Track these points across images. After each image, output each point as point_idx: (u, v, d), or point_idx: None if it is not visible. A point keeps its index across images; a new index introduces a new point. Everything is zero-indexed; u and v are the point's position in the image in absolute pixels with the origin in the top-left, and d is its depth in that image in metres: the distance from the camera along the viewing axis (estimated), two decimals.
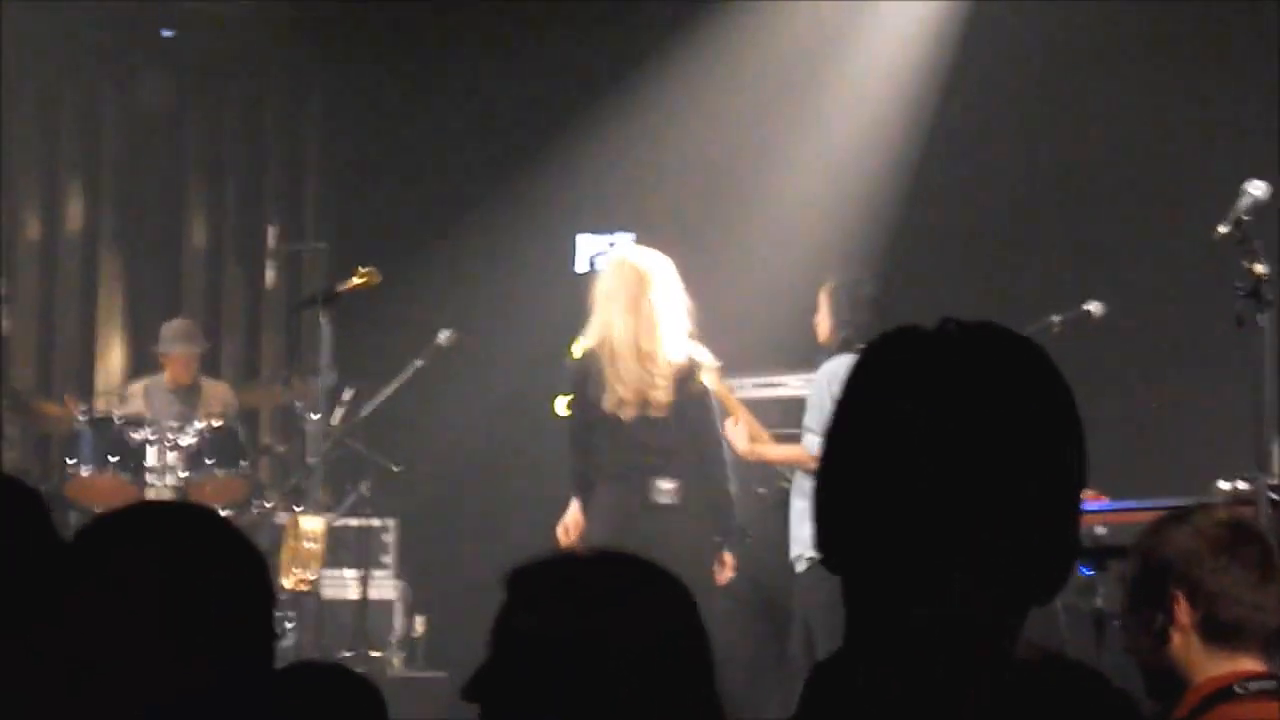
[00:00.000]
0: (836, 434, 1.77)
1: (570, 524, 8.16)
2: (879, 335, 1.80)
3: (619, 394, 7.24)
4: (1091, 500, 5.87)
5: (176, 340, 9.76)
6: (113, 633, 2.20)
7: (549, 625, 2.10)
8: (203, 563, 2.25)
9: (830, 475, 1.77)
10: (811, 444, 7.33)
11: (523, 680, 2.09)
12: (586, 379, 7.31)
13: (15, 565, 2.74)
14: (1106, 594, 5.55)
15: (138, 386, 9.96)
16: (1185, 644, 3.25)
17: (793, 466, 7.46)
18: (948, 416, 1.69)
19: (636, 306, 7.27)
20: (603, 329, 7.29)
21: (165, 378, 9.82)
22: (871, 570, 1.72)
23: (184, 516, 2.44)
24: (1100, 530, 5.64)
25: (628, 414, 7.25)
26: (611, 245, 10.46)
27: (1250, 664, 3.24)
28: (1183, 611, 3.24)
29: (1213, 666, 3.23)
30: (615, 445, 7.29)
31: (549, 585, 2.16)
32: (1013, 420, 1.70)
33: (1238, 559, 3.28)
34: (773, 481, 7.54)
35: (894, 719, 1.67)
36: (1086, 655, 5.59)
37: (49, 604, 2.26)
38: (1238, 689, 3.20)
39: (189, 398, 9.69)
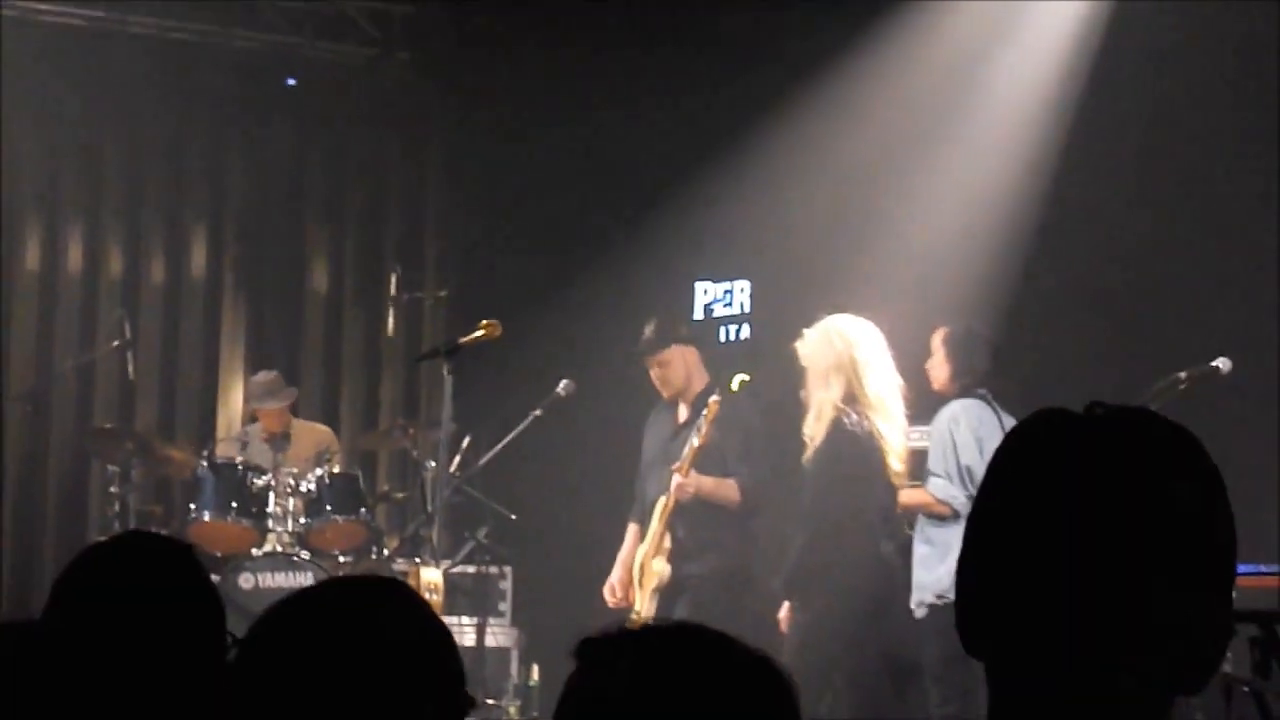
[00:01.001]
0: (982, 519, 1.75)
1: (618, 583, 8.19)
2: (1027, 419, 1.78)
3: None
4: None
5: (267, 396, 9.90)
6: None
7: (620, 699, 2.06)
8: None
9: (975, 560, 1.74)
10: (937, 487, 7.31)
11: None
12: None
13: (174, 628, 2.77)
14: (1235, 659, 5.45)
15: (232, 438, 10.09)
16: None
17: (918, 510, 7.45)
18: (1100, 503, 1.67)
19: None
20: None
21: (259, 428, 9.94)
22: (1019, 659, 1.69)
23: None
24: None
25: None
26: (728, 293, 10.47)
27: None
28: None
29: None
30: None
31: (622, 656, 2.11)
32: (1166, 507, 1.68)
33: None
34: (898, 528, 7.50)
35: None
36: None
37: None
38: None
39: (281, 444, 9.79)
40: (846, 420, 7.39)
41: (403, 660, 2.18)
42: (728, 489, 8.09)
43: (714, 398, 7.99)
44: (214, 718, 2.49)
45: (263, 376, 10.10)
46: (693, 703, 2.03)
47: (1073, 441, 1.72)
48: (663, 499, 8.10)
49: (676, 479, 8.00)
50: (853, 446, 7.38)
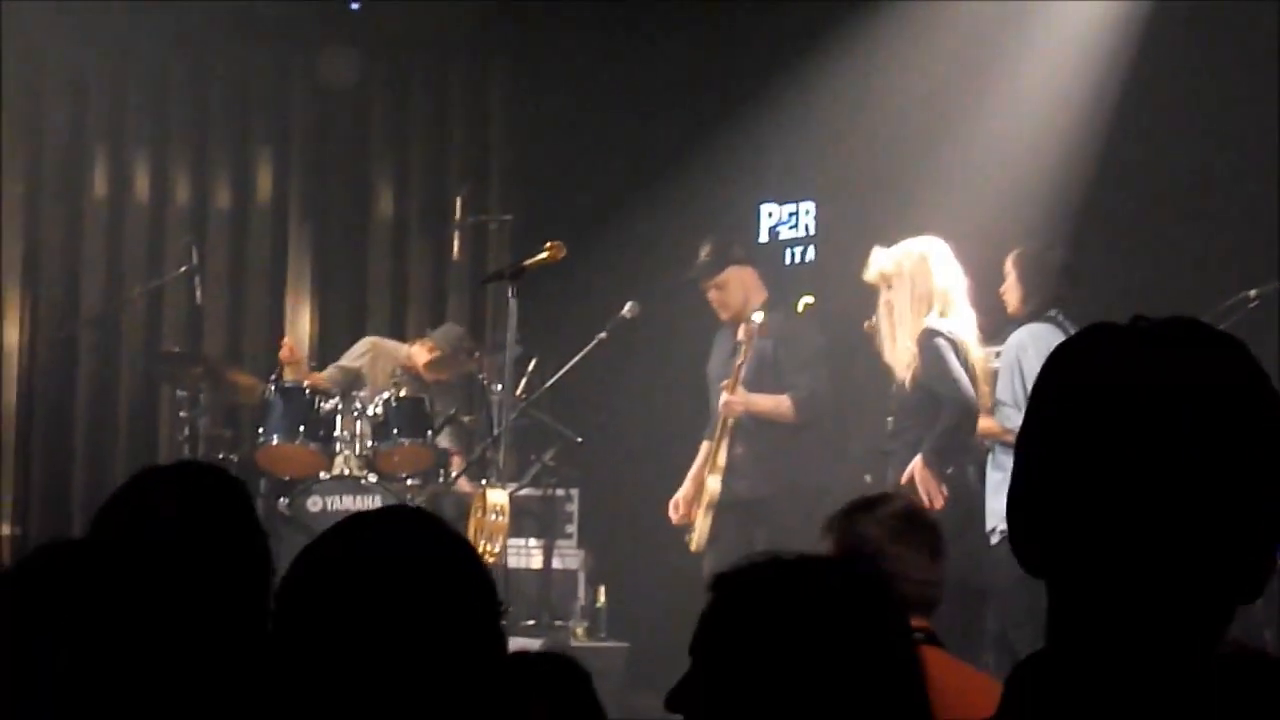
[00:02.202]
0: (1034, 436, 1.73)
1: (682, 499, 8.22)
2: (1073, 335, 1.76)
3: None
4: None
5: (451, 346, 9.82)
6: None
7: (757, 637, 2.07)
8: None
9: (1029, 478, 1.73)
10: (1006, 416, 7.26)
11: (728, 693, 2.07)
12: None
13: (220, 556, 2.79)
14: None
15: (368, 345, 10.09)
16: None
17: (990, 439, 7.38)
18: (1153, 416, 1.65)
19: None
20: None
21: (416, 362, 9.86)
22: (1075, 573, 1.68)
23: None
24: None
25: None
26: (793, 215, 10.43)
27: (915, 622, 3.78)
28: None
29: None
30: None
31: (759, 594, 2.12)
32: (1219, 419, 1.66)
33: (910, 544, 4.06)
34: (979, 452, 7.44)
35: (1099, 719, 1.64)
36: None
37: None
38: None
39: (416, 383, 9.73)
40: (942, 346, 7.31)
41: (430, 578, 2.16)
42: (781, 405, 8.10)
43: (755, 317, 7.99)
44: (255, 654, 2.50)
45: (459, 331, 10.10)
46: (828, 637, 2.04)
47: (1127, 355, 1.70)
48: (718, 417, 8.14)
49: (724, 396, 8.04)
50: (951, 376, 7.29)
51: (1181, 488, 1.64)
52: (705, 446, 8.43)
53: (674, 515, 8.33)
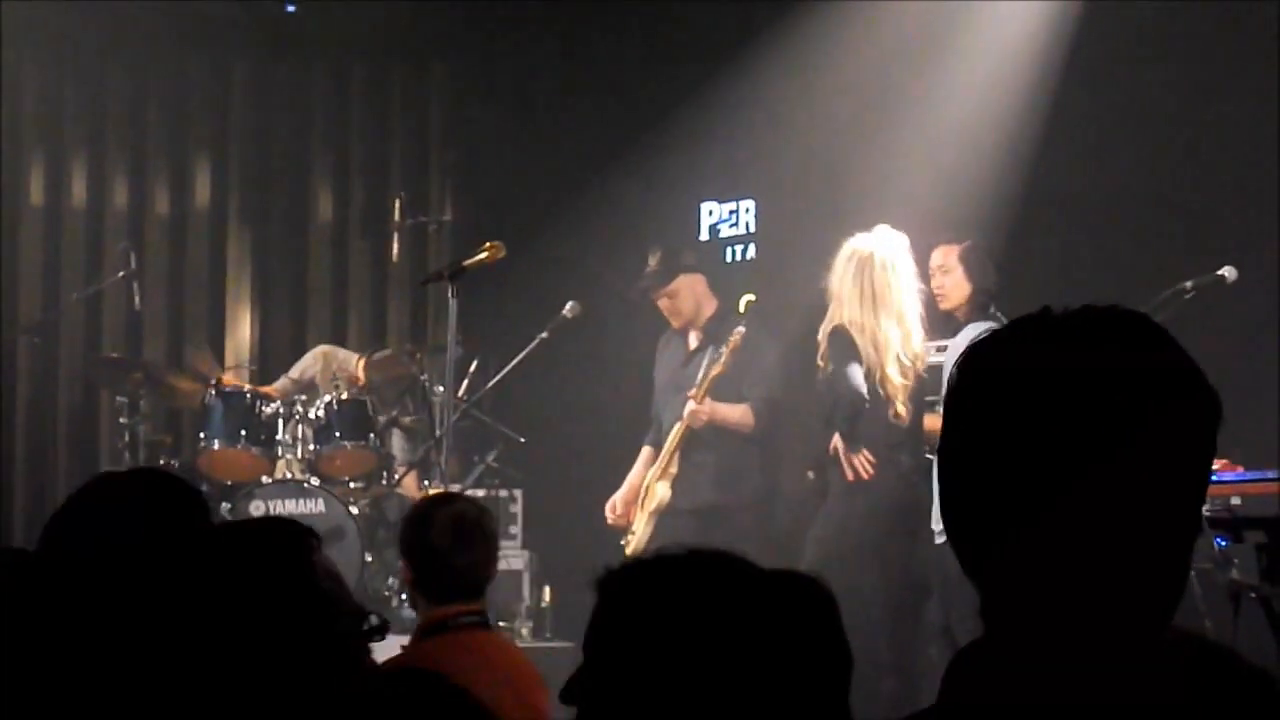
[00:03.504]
0: (952, 437, 1.73)
1: (621, 500, 8.25)
2: (987, 336, 1.75)
3: None
4: (1225, 470, 5.79)
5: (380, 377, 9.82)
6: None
7: (643, 631, 2.08)
8: None
9: (953, 477, 1.74)
10: None
11: (619, 686, 2.07)
12: None
13: (175, 559, 2.77)
14: (1243, 565, 5.47)
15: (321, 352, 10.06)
16: (411, 596, 5.08)
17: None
18: (1066, 407, 1.65)
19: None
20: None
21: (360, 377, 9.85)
22: (1004, 566, 1.69)
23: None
24: (1235, 501, 5.56)
25: None
26: (733, 213, 10.44)
27: (461, 606, 4.81)
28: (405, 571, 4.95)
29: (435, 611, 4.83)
30: None
31: (643, 588, 2.12)
32: (1133, 405, 1.65)
33: (462, 538, 4.83)
34: (916, 446, 7.50)
35: (1041, 706, 1.65)
36: (1223, 627, 5.52)
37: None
38: (450, 623, 4.79)
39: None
40: (844, 343, 7.40)
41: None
42: (743, 414, 8.13)
43: (739, 329, 8.01)
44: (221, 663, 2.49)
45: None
46: (720, 624, 2.04)
47: (1029, 345, 1.71)
48: (678, 425, 8.14)
49: (690, 405, 8.04)
50: (845, 368, 7.39)
51: (1099, 476, 1.63)
52: (647, 451, 8.43)
53: (610, 516, 8.34)
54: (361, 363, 9.77)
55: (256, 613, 2.25)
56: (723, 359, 8.00)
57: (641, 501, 8.24)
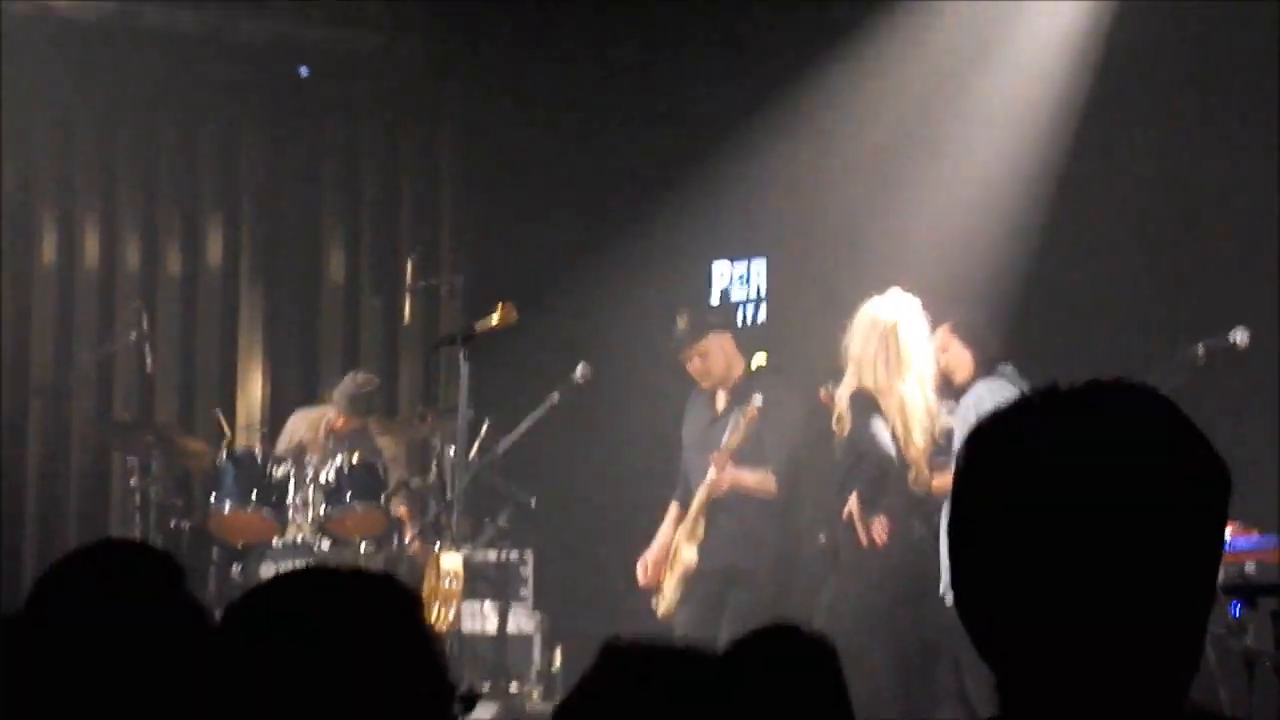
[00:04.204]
0: (965, 509, 1.73)
1: (652, 561, 8.24)
2: (994, 413, 1.75)
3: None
4: (1239, 535, 5.77)
5: (348, 400, 9.85)
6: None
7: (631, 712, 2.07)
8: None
9: (963, 563, 1.73)
10: None
11: None
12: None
13: (149, 633, 2.75)
14: (1257, 632, 5.44)
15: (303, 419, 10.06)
16: None
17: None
18: (1070, 490, 1.64)
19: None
20: None
21: (334, 420, 9.88)
22: (1022, 641, 1.68)
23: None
24: (1250, 568, 5.54)
25: None
26: (744, 276, 10.45)
27: None
28: None
29: None
30: None
31: (642, 674, 2.12)
32: (1140, 486, 1.64)
33: None
34: (931, 511, 7.50)
35: None
36: (1238, 694, 5.49)
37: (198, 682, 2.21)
38: None
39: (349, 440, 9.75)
40: (868, 407, 7.42)
41: (384, 665, 2.12)
42: (763, 480, 8.11)
43: (756, 398, 7.98)
44: None
45: (362, 377, 10.08)
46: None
47: (1033, 426, 1.70)
48: (703, 487, 8.13)
49: (712, 472, 8.04)
50: (874, 433, 7.41)
51: (1110, 550, 1.63)
52: (674, 509, 8.44)
53: (642, 577, 8.34)
54: (331, 409, 9.82)
55: (379, 678, 2.16)
56: (742, 428, 7.98)
57: (670, 563, 8.23)
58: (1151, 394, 1.71)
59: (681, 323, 8.46)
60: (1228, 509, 1.68)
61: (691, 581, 8.14)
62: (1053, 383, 1.71)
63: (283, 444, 9.93)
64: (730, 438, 8.05)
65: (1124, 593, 1.63)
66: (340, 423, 9.81)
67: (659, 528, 8.51)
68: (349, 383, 9.97)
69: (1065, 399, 1.70)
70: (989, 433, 1.72)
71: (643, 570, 8.34)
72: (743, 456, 8.09)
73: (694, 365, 8.43)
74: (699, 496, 8.17)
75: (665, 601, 8.19)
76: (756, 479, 8.11)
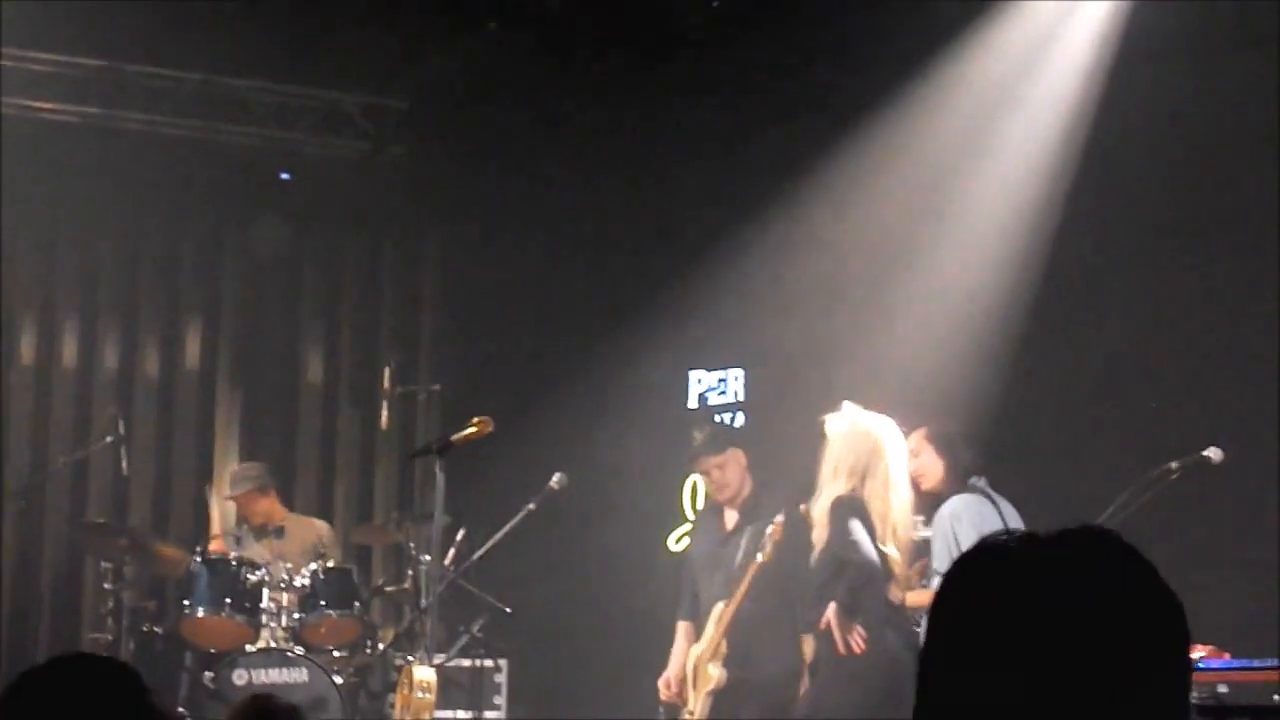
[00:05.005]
0: (938, 644, 1.76)
1: (673, 679, 8.22)
2: (961, 559, 1.79)
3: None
4: (1211, 657, 5.77)
5: (234, 483, 9.93)
6: None
7: None
8: None
9: (934, 686, 1.76)
10: None
11: None
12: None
13: None
14: None
15: (227, 533, 10.11)
16: None
17: (920, 612, 7.44)
18: (1051, 630, 1.69)
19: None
20: None
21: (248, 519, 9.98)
22: None
23: None
24: (1222, 689, 5.54)
25: None
26: (722, 381, 10.48)
27: None
28: None
29: None
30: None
31: None
32: (1097, 641, 1.69)
33: None
34: (905, 624, 7.50)
35: None
36: None
37: None
38: None
39: (275, 536, 9.79)
40: (848, 514, 7.43)
41: None
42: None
43: (779, 519, 7.93)
44: None
45: (238, 466, 10.17)
46: None
47: (1014, 579, 1.74)
48: (720, 605, 8.10)
49: (732, 604, 8.01)
50: (855, 540, 7.41)
51: (1074, 694, 1.66)
52: (685, 626, 8.41)
53: (664, 693, 8.32)
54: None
55: None
56: (767, 549, 7.93)
57: (693, 680, 8.21)
58: (1116, 543, 1.76)
59: (701, 435, 8.48)
60: (1187, 639, 1.73)
61: (724, 696, 8.12)
62: (1033, 532, 1.78)
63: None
64: (752, 561, 7.98)
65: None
66: (247, 513, 9.89)
67: (644, 635, 8.49)
68: (238, 473, 10.11)
69: (1040, 546, 1.75)
70: (970, 573, 1.78)
71: (666, 686, 8.34)
72: (766, 580, 8.04)
73: (714, 475, 8.43)
74: (722, 614, 8.11)
75: (696, 718, 8.19)
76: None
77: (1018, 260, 9.12)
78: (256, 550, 9.63)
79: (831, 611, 7.44)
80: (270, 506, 9.94)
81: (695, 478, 9.95)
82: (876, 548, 7.45)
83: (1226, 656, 5.72)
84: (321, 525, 10.11)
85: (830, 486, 7.56)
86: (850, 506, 7.47)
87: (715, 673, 8.15)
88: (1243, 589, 7.34)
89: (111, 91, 10.69)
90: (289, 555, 9.48)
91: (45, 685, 2.84)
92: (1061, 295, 8.89)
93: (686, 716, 8.22)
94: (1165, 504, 6.56)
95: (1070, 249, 8.83)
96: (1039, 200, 9.12)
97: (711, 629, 8.16)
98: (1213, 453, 6.88)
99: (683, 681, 8.29)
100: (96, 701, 2.79)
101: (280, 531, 9.85)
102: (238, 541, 9.71)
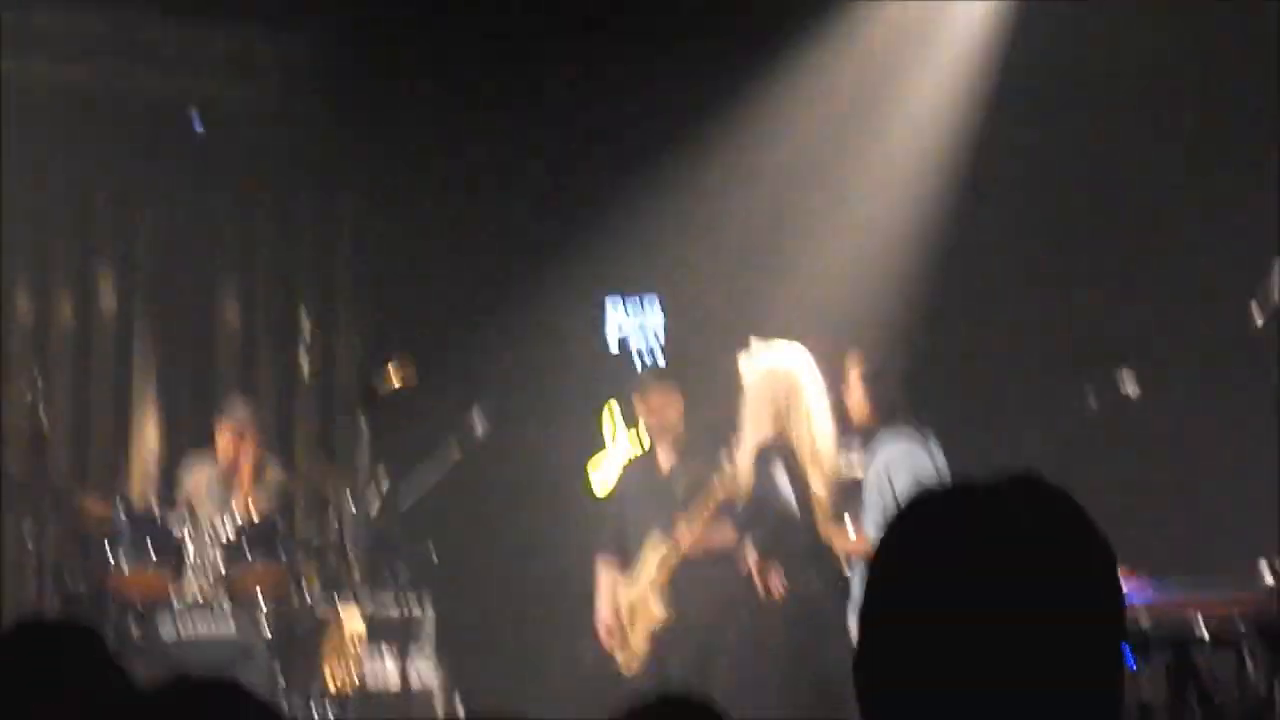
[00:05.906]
0: (870, 609, 1.78)
1: (610, 622, 8.24)
2: (900, 513, 1.81)
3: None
4: (1128, 579, 5.83)
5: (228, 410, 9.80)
6: None
7: None
8: None
9: (867, 645, 1.78)
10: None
11: None
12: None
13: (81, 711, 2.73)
14: (1152, 687, 5.51)
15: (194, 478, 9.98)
16: None
17: (854, 557, 7.47)
18: (975, 592, 1.71)
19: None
20: None
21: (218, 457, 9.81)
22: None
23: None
24: (1144, 623, 5.61)
25: None
26: (641, 325, 10.50)
27: None
28: None
29: None
30: None
31: None
32: (1054, 586, 1.72)
33: None
34: (828, 566, 7.54)
35: None
36: None
37: None
38: None
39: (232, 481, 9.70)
40: (771, 460, 7.45)
41: None
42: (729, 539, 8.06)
43: (728, 467, 7.93)
44: None
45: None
46: None
47: (941, 529, 1.76)
48: (658, 543, 8.11)
49: (683, 530, 8.02)
50: (776, 486, 7.43)
51: (1014, 641, 1.69)
52: (609, 564, 8.43)
53: (607, 640, 8.33)
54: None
55: None
56: (709, 508, 7.92)
57: (629, 619, 8.23)
58: (1051, 490, 1.79)
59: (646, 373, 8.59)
60: (1118, 582, 1.76)
61: (662, 635, 8.14)
62: (969, 481, 1.80)
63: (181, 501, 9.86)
64: (706, 495, 7.99)
65: (1030, 675, 1.69)
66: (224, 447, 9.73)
67: (569, 575, 8.51)
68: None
69: (977, 494, 1.78)
70: (908, 526, 1.79)
71: (607, 635, 8.34)
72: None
73: (654, 418, 8.54)
74: (664, 553, 8.12)
75: (634, 658, 8.20)
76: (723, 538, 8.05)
77: (941, 182, 9.17)
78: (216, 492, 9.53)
79: (753, 559, 7.48)
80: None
81: (613, 404, 9.99)
82: (802, 487, 7.47)
83: (1143, 577, 5.78)
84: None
85: (752, 435, 7.57)
86: (774, 452, 7.48)
87: (659, 612, 8.17)
88: (1157, 510, 7.44)
89: (19, 39, 10.54)
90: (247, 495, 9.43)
91: (12, 649, 2.84)
92: (979, 222, 8.95)
93: (626, 654, 8.23)
94: (1087, 437, 6.65)
95: (990, 172, 8.90)
96: (959, 125, 9.18)
97: (651, 567, 8.18)
98: (1130, 387, 6.96)
99: (619, 623, 8.31)
100: (66, 665, 2.80)
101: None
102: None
